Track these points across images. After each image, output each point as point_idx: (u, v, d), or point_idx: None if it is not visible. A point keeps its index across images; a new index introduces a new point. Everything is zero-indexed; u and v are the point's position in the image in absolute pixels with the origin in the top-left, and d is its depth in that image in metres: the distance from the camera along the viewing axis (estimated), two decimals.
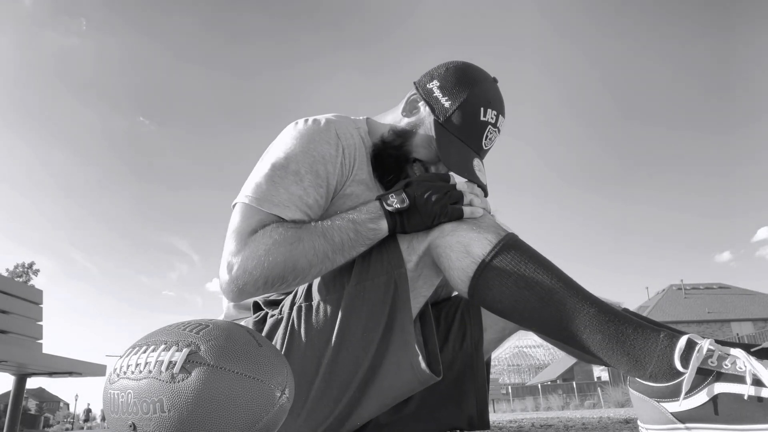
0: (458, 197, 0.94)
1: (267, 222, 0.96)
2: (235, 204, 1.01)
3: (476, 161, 1.09)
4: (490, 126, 1.09)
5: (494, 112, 1.10)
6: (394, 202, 0.93)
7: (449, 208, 0.92)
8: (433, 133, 1.09)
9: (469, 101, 1.07)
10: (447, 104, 1.08)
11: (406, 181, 0.97)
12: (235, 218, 0.98)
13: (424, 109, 1.13)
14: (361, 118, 1.21)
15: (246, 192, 1.00)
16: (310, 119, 1.08)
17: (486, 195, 1.08)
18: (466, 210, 0.93)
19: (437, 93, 1.10)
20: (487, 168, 1.12)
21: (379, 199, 0.96)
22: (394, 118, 1.17)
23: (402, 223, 0.94)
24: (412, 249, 0.95)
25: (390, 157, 1.13)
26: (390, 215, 0.94)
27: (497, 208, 1.03)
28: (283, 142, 1.05)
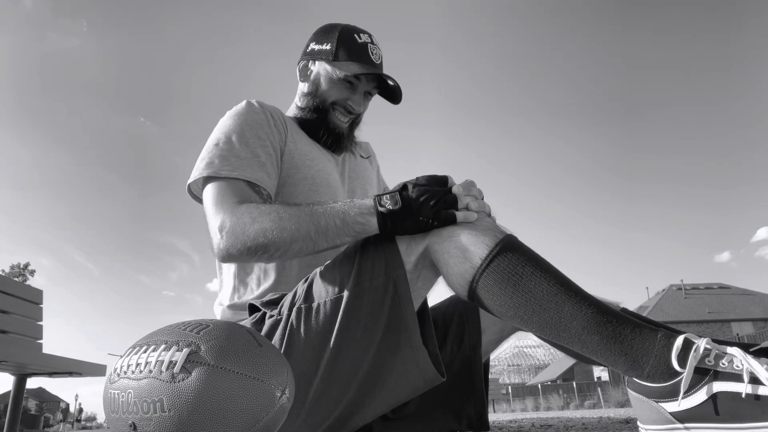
0: (453, 202, 0.93)
1: (245, 192, 1.06)
2: (203, 183, 1.10)
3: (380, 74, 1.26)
4: (369, 45, 1.27)
5: (366, 35, 1.29)
6: (387, 203, 0.93)
7: (442, 213, 0.91)
8: (330, 69, 1.26)
9: (342, 34, 1.27)
10: (328, 47, 1.28)
11: (403, 183, 0.97)
12: (213, 193, 1.07)
13: (313, 65, 1.31)
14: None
15: (200, 170, 1.10)
16: (235, 106, 1.23)
17: (399, 98, 1.31)
18: (459, 215, 0.92)
19: (316, 47, 1.30)
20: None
21: (375, 198, 0.96)
22: (298, 93, 1.35)
23: (393, 225, 0.94)
24: (410, 250, 0.95)
25: (311, 117, 1.30)
26: (381, 215, 0.94)
27: (496, 211, 1.01)
28: (218, 127, 1.18)
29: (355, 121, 1.35)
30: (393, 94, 1.32)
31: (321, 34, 1.30)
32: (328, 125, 1.29)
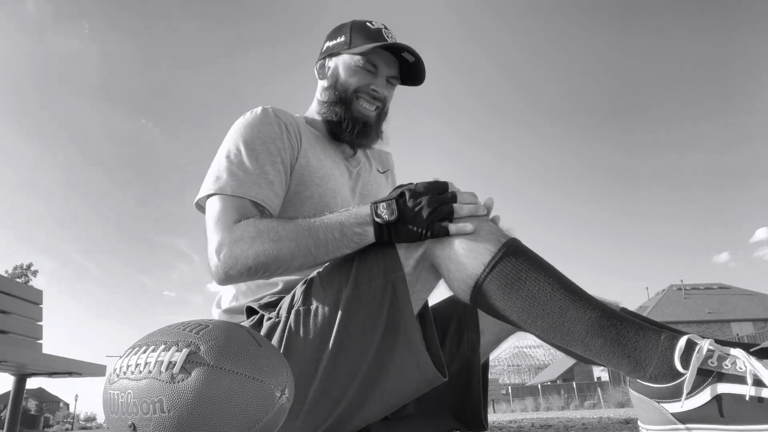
0: (449, 212, 0.91)
1: (247, 210, 1.03)
2: (207, 198, 1.07)
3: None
4: (383, 29, 1.25)
5: (379, 23, 1.27)
6: (384, 213, 0.93)
7: (435, 226, 0.90)
8: (348, 57, 1.25)
9: (355, 25, 1.27)
10: (342, 39, 1.27)
11: (401, 190, 0.95)
12: (214, 210, 1.04)
13: (331, 61, 1.29)
14: (297, 115, 1.32)
15: (209, 185, 1.07)
16: (248, 112, 1.19)
17: (422, 76, 1.28)
18: (452, 228, 0.90)
19: (330, 43, 1.30)
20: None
21: (372, 205, 0.95)
22: (318, 91, 1.32)
23: (389, 234, 0.93)
24: (409, 253, 0.95)
25: (335, 109, 1.26)
26: (378, 226, 0.93)
27: (498, 212, 1.00)
28: (230, 136, 1.14)
29: (382, 111, 1.29)
30: (415, 76, 1.29)
31: (333, 32, 1.30)
32: (353, 115, 1.24)
